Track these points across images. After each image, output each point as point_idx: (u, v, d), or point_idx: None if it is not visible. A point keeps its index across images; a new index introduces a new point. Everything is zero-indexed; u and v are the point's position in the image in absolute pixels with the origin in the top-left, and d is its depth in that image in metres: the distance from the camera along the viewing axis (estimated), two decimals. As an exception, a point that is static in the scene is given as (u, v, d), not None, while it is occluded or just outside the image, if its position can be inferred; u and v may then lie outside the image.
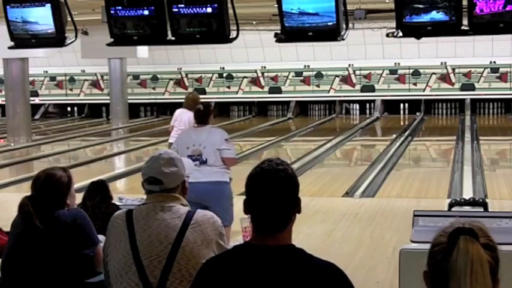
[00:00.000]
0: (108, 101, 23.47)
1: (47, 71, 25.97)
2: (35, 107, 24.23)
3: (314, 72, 24.06)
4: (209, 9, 6.13)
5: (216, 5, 6.09)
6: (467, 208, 5.46)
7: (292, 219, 2.36)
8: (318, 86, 24.14)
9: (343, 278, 2.25)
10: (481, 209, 5.38)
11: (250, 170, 2.39)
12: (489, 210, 5.54)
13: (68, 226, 3.58)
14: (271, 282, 2.23)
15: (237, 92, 24.68)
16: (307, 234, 7.24)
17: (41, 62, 24.01)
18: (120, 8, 6.40)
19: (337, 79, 23.95)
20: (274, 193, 2.31)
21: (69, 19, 6.77)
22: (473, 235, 1.80)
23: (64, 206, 3.68)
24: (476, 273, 1.74)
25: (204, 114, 6.68)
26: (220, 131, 6.69)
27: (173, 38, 6.37)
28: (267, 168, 2.35)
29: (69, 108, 26.82)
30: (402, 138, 17.10)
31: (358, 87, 23.84)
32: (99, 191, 4.92)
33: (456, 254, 1.77)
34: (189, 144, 6.44)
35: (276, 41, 6.25)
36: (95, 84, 26.04)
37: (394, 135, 17.88)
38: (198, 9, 6.16)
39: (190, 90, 25.07)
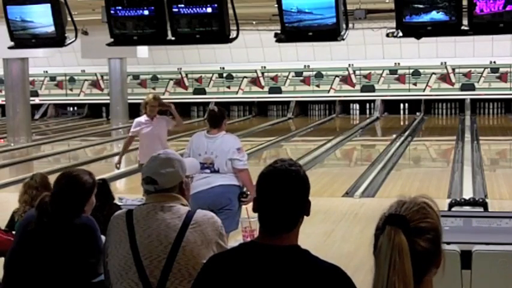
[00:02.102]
0: (108, 101, 23.47)
1: (47, 71, 25.97)
2: (35, 107, 24.23)
3: (314, 72, 24.06)
4: (209, 9, 6.13)
5: (216, 5, 6.09)
6: (467, 208, 5.46)
7: (300, 221, 2.35)
8: (318, 86, 24.14)
9: (347, 280, 2.25)
10: (481, 209, 5.38)
11: (260, 169, 2.37)
12: (489, 210, 5.54)
13: (77, 234, 3.52)
14: (274, 282, 2.23)
15: (237, 92, 24.68)
16: (307, 234, 7.24)
17: (41, 62, 24.00)
18: (120, 8, 6.39)
19: (337, 79, 23.95)
20: (285, 193, 2.30)
21: (69, 19, 6.77)
22: (400, 224, 1.90)
23: (81, 213, 3.59)
24: (394, 262, 1.86)
25: (217, 118, 6.45)
26: (233, 140, 6.48)
27: (173, 38, 6.37)
28: (279, 168, 2.34)
29: (70, 108, 26.81)
30: (402, 138, 17.10)
31: (358, 87, 23.84)
32: (100, 193, 4.85)
33: (381, 242, 1.91)
34: (201, 151, 6.31)
35: (276, 41, 6.25)
36: (95, 84, 26.04)
37: (394, 135, 17.88)
38: (198, 9, 6.15)
39: (190, 90, 25.11)
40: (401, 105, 23.78)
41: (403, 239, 1.87)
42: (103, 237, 3.39)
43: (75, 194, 3.58)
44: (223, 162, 6.26)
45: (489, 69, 22.84)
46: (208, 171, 6.23)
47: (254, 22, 19.81)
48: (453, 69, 23.06)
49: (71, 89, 26.30)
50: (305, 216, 2.36)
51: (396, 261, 1.85)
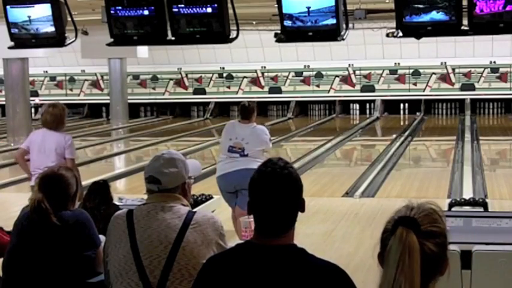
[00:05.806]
0: (108, 101, 23.46)
1: (47, 71, 25.95)
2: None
3: (314, 72, 24.05)
4: (209, 9, 6.13)
5: (216, 5, 6.09)
6: (467, 208, 5.47)
7: (296, 220, 2.36)
8: (318, 86, 24.13)
9: (345, 278, 2.26)
10: (481, 209, 5.39)
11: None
12: (489, 210, 5.55)
13: (70, 227, 3.57)
14: (272, 282, 2.23)
15: (237, 92, 24.66)
16: (307, 234, 7.24)
17: (41, 62, 23.99)
18: (120, 8, 6.39)
19: (337, 79, 23.94)
20: (278, 197, 2.31)
21: (69, 19, 6.77)
22: (412, 225, 1.91)
23: (68, 207, 3.66)
24: (403, 262, 1.86)
25: (248, 110, 7.12)
26: (264, 129, 7.16)
27: (173, 38, 6.37)
28: (270, 171, 2.34)
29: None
30: (402, 138, 17.09)
31: (358, 87, 23.83)
32: (99, 192, 4.90)
33: (391, 242, 1.90)
34: (232, 136, 6.97)
35: (276, 41, 6.25)
36: (95, 84, 26.03)
37: (394, 135, 17.88)
38: (198, 9, 6.15)
39: (190, 90, 25.10)
40: (401, 105, 23.77)
41: (414, 240, 1.89)
42: (103, 237, 3.40)
43: (60, 192, 3.64)
44: (253, 148, 6.91)
45: (489, 69, 22.83)
46: (237, 155, 6.88)
47: (254, 22, 19.80)
48: (453, 69, 23.05)
49: (71, 89, 26.28)
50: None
51: (405, 262, 1.86)
